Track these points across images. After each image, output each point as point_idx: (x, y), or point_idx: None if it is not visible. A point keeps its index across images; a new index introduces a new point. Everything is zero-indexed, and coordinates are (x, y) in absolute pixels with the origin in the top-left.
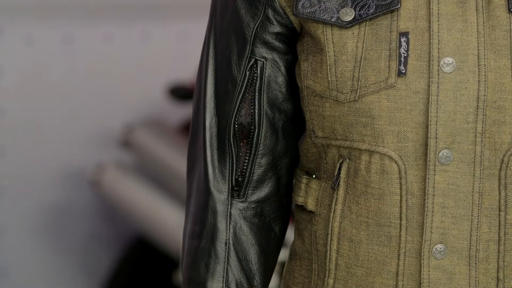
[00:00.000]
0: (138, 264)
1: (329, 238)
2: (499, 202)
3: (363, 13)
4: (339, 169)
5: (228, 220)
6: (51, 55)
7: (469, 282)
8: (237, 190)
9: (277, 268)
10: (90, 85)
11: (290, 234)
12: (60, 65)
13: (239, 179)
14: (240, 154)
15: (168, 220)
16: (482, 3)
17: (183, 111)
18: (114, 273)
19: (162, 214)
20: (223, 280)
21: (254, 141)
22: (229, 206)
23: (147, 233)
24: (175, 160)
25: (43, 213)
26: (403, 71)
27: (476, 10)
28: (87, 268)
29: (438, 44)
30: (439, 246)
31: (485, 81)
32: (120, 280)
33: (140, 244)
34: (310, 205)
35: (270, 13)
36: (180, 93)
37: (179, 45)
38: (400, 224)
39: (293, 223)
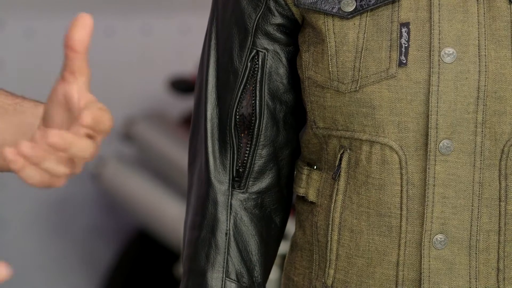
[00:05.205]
0: (139, 256)
1: (330, 229)
2: (500, 192)
3: (364, 4)
4: (340, 160)
5: (229, 210)
6: (52, 48)
7: (469, 272)
8: (237, 181)
9: (278, 261)
10: (91, 77)
11: (290, 227)
12: (61, 58)
13: (240, 170)
14: (241, 145)
15: (169, 213)
16: None
17: (184, 104)
18: (115, 266)
19: (163, 206)
20: (223, 271)
21: (255, 132)
22: (230, 197)
23: (148, 225)
24: (176, 153)
25: (44, 206)
26: (404, 62)
27: (477, 0)
28: (88, 260)
29: (439, 34)
30: (439, 236)
31: (485, 71)
32: (121, 272)
33: (141, 237)
34: (311, 196)
35: (272, 4)
36: (181, 86)
37: (180, 38)
38: (401, 214)
39: (294, 216)
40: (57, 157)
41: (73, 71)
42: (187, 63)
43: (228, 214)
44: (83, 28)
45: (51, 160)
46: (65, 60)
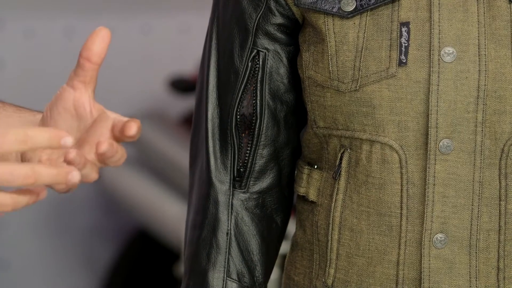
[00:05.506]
0: (139, 256)
1: (330, 228)
2: (500, 191)
3: (364, 3)
4: (341, 159)
5: (230, 210)
6: (52, 47)
7: (470, 272)
8: (238, 180)
9: (278, 261)
10: None
11: (291, 227)
12: (61, 57)
13: (241, 169)
14: (242, 144)
15: (169, 213)
16: None
17: (184, 104)
18: (115, 266)
19: (162, 206)
20: (224, 271)
21: (256, 132)
22: (231, 197)
23: (148, 225)
24: (176, 152)
25: (44, 206)
26: (404, 61)
27: (477, 0)
28: (88, 260)
29: (439, 34)
30: (439, 235)
31: (485, 70)
32: (121, 272)
33: (141, 237)
34: (312, 196)
35: (272, 4)
36: (181, 85)
37: (180, 38)
38: (401, 213)
39: (295, 216)
40: (92, 163)
41: (85, 81)
42: (187, 62)
43: (229, 214)
44: (102, 40)
45: (88, 166)
46: (78, 70)
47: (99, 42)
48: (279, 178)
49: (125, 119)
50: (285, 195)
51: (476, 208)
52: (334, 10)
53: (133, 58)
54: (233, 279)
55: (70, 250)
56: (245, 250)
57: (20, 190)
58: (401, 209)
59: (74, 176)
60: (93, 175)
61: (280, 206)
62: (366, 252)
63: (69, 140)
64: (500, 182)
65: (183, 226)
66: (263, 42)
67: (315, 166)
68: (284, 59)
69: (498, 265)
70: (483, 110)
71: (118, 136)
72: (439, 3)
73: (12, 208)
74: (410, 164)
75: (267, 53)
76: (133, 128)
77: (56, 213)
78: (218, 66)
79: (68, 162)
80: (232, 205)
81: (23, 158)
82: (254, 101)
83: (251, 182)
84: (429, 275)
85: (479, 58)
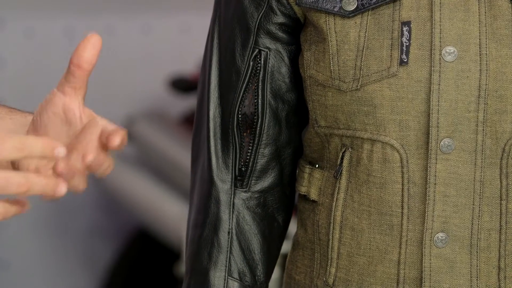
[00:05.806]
0: (139, 256)
1: (331, 227)
2: (501, 191)
3: (365, 3)
4: (342, 158)
5: (231, 209)
6: (52, 47)
7: (470, 271)
8: (240, 180)
9: (278, 260)
10: (91, 77)
11: (292, 226)
12: (61, 57)
13: (243, 169)
14: (244, 144)
15: (169, 212)
16: None
17: (185, 103)
18: (115, 265)
19: (163, 206)
20: (225, 270)
21: (258, 131)
22: (232, 196)
23: (148, 225)
24: (177, 152)
25: (45, 205)
26: (405, 60)
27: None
28: (88, 260)
29: (440, 33)
30: (440, 234)
31: (486, 70)
32: (121, 272)
33: (141, 236)
34: (313, 195)
35: (274, 3)
36: (181, 85)
37: (181, 37)
38: (402, 212)
39: (296, 215)
40: (80, 174)
41: (75, 87)
42: (187, 62)
43: (231, 213)
44: (93, 47)
45: (76, 178)
46: (68, 76)
47: (90, 49)
48: (280, 177)
49: (112, 128)
50: (287, 194)
51: (477, 208)
52: (336, 9)
53: (133, 58)
54: (234, 278)
55: (70, 250)
56: (247, 249)
57: (10, 200)
58: (402, 208)
59: (62, 189)
60: (81, 186)
61: (281, 205)
62: (367, 251)
63: (62, 151)
64: (501, 182)
65: (184, 225)
66: (265, 41)
67: (317, 165)
68: (286, 58)
69: (499, 264)
70: (484, 110)
71: (105, 144)
72: (440, 3)
73: (2, 217)
74: (411, 164)
75: (268, 52)
76: (116, 140)
77: (56, 213)
78: (220, 65)
79: (57, 174)
80: (233, 204)
81: (13, 165)
82: (255, 100)
83: (253, 181)
84: (430, 275)
85: (480, 57)
